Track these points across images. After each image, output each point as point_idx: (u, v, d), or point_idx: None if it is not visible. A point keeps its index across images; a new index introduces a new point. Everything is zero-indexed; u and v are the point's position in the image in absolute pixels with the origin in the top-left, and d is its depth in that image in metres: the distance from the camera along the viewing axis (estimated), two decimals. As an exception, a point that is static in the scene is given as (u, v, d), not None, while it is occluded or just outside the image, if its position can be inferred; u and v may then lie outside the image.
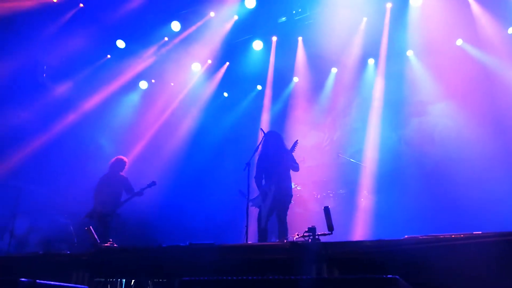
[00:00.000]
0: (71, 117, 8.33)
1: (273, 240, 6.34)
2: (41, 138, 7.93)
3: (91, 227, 4.63)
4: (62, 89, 8.32)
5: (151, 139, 9.34)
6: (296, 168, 5.65)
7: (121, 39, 8.72)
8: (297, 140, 5.61)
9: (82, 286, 3.46)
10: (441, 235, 3.36)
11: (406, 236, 3.42)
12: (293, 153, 5.55)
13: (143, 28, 8.55)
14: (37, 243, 7.11)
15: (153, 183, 6.59)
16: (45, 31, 7.90)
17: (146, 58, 8.93)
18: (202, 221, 8.13)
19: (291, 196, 5.71)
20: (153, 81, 9.69)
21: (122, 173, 6.80)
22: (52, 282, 2.93)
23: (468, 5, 7.44)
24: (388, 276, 1.95)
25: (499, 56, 7.23)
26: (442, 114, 7.86)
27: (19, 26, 7.62)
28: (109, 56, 8.94)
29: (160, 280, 4.04)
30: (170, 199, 8.60)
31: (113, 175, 6.73)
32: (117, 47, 8.75)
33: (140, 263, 4.19)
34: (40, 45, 7.98)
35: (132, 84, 9.25)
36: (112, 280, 4.19)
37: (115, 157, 6.94)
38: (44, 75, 8.38)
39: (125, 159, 6.94)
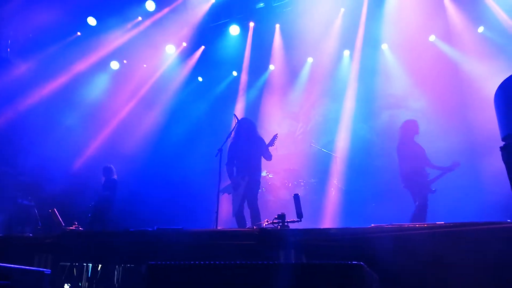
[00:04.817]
0: (37, 95, 7.97)
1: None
2: (5, 116, 7.57)
3: (55, 209, 4.49)
4: (28, 65, 7.93)
5: (122, 121, 9.09)
6: (269, 158, 5.69)
7: (93, 16, 8.36)
8: (276, 134, 5.64)
9: (45, 269, 3.36)
10: (405, 225, 3.48)
11: (372, 225, 3.53)
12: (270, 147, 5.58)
13: (116, 6, 8.25)
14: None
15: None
16: (10, 3, 7.47)
17: (118, 37, 8.59)
18: (172, 206, 8.05)
19: (260, 183, 5.81)
20: (125, 61, 9.37)
21: None
22: (13, 265, 2.83)
23: (442, 3, 7.62)
24: (353, 262, 2.00)
25: (469, 54, 7.47)
26: (412, 107, 8.06)
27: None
28: (79, 33, 8.57)
29: (127, 265, 3.98)
30: (140, 184, 8.45)
31: None
32: (88, 24, 8.38)
33: (107, 247, 4.11)
34: (4, 18, 7.55)
35: (102, 64, 8.90)
36: (78, 264, 4.10)
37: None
38: (8, 49, 7.97)
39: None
